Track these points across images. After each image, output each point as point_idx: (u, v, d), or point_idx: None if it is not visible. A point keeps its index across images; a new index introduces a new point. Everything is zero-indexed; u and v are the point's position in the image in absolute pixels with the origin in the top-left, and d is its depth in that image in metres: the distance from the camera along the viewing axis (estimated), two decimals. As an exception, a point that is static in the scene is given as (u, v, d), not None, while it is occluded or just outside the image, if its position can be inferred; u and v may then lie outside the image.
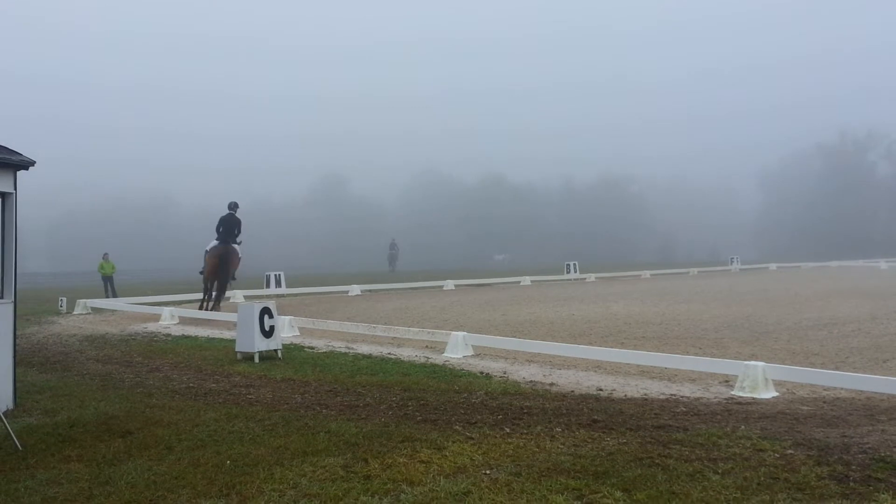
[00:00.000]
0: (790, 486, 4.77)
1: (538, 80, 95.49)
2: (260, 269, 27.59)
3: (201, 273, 18.99)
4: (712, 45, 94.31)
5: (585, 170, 79.04)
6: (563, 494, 4.65)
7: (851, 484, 4.80)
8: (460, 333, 11.10)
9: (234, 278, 19.92)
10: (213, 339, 13.18)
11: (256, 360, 10.35)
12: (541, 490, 4.73)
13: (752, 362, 8.14)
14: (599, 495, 4.65)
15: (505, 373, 9.36)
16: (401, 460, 5.41)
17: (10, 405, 7.33)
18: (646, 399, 7.74)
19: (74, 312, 18.90)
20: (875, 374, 8.26)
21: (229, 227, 19.23)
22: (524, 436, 6.07)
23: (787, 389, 8.06)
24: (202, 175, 75.55)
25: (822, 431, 6.15)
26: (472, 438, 6.01)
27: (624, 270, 39.25)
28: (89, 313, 18.84)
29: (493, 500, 4.61)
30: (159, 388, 8.55)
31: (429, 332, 11.91)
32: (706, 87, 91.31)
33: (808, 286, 26.24)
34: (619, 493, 4.66)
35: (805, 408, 7.19)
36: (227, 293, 20.58)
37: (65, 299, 19.75)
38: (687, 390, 8.19)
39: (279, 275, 25.91)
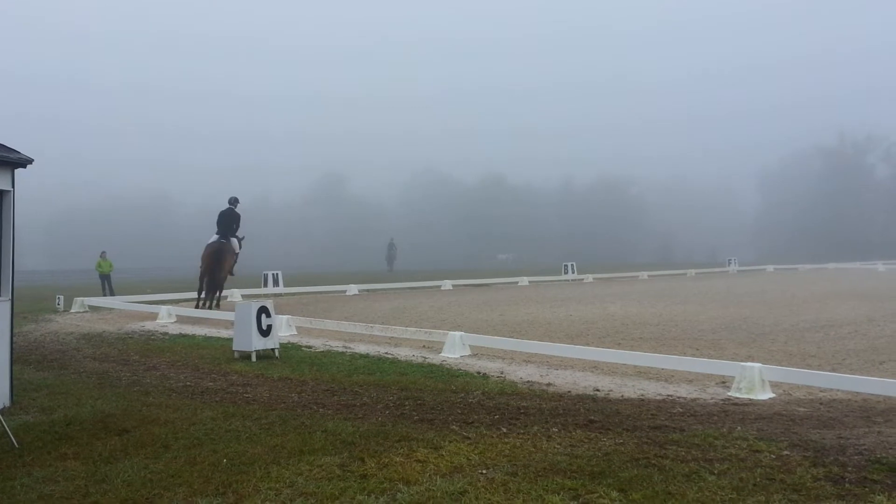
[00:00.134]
0: (786, 487, 4.78)
1: (538, 80, 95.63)
2: (258, 268, 27.57)
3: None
4: (712, 45, 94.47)
5: (585, 170, 79.22)
6: (559, 494, 4.66)
7: (847, 485, 4.81)
8: (458, 333, 11.10)
9: (232, 274, 19.98)
10: (211, 337, 13.17)
11: (254, 359, 10.35)
12: (537, 490, 4.74)
13: (749, 363, 8.15)
14: (596, 495, 4.65)
15: (502, 373, 9.37)
16: (397, 460, 5.41)
17: (7, 403, 7.32)
18: (643, 400, 7.74)
19: (72, 311, 18.87)
20: (871, 376, 8.28)
21: (228, 221, 19.40)
22: (521, 436, 6.08)
23: (784, 391, 8.07)
24: (201, 174, 75.59)
25: (818, 433, 6.16)
26: (469, 438, 6.02)
27: (622, 271, 39.26)
28: (86, 311, 18.82)
29: (490, 499, 4.61)
30: (156, 386, 8.55)
31: (426, 332, 11.91)
32: (706, 87, 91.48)
33: (805, 288, 26.27)
34: (615, 494, 4.67)
35: (801, 409, 7.21)
36: (224, 292, 20.62)
37: (62, 297, 19.72)
38: (684, 391, 8.20)
39: (277, 274, 25.89)
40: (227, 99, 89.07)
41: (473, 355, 10.75)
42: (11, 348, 7.45)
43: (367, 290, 27.01)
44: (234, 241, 19.64)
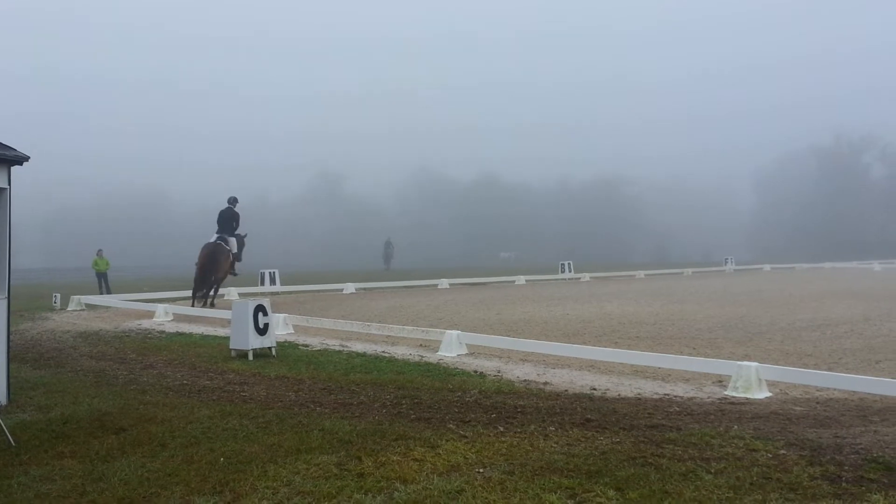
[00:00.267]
0: (782, 486, 4.79)
1: (538, 80, 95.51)
2: (256, 267, 27.57)
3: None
4: (712, 45, 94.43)
5: (584, 170, 79.23)
6: (556, 493, 4.66)
7: (844, 484, 4.82)
8: (454, 332, 11.10)
9: (234, 273, 20.14)
10: (208, 336, 13.16)
11: (250, 357, 10.35)
12: (534, 489, 4.74)
13: (746, 363, 8.16)
14: (592, 494, 4.66)
15: (499, 372, 9.37)
16: (394, 458, 5.42)
17: (4, 401, 7.31)
18: (639, 398, 7.75)
19: (68, 309, 18.85)
20: (868, 375, 8.30)
21: (226, 220, 19.69)
22: (518, 434, 6.08)
23: (781, 390, 8.09)
24: (198, 172, 75.53)
25: (814, 432, 6.18)
26: (466, 437, 6.02)
27: (618, 270, 39.31)
28: (83, 310, 18.80)
29: (487, 498, 4.62)
30: (153, 384, 8.54)
31: (423, 331, 11.91)
32: (706, 87, 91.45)
33: (801, 287, 26.32)
34: (612, 493, 4.67)
35: (798, 408, 7.22)
36: (221, 290, 20.68)
37: (59, 295, 19.70)
38: (680, 390, 8.21)
39: (273, 272, 25.89)
40: (225, 97, 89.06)
41: (470, 354, 10.75)
42: (8, 346, 7.43)
43: (364, 289, 27.01)
44: (233, 240, 19.82)
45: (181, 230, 62.05)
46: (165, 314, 16.22)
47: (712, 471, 5.07)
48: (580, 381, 8.73)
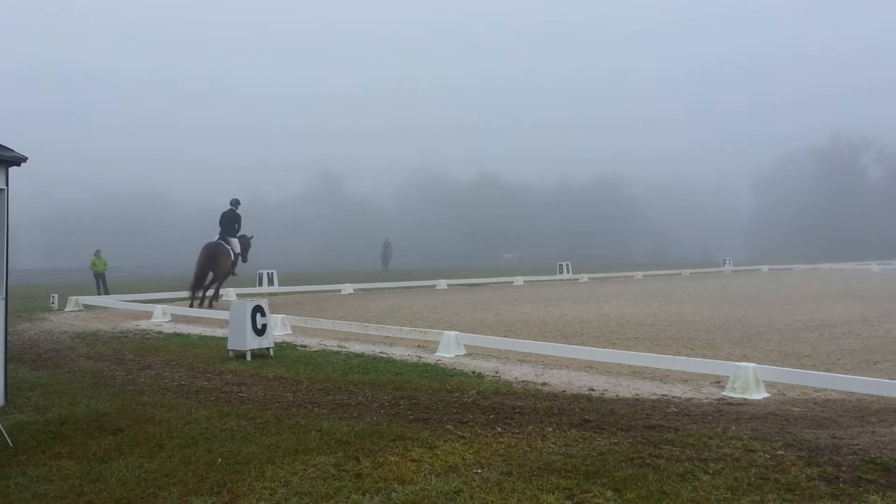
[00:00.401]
0: (780, 486, 4.80)
1: (537, 80, 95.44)
2: (254, 267, 27.57)
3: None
4: (712, 45, 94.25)
5: (584, 170, 79.17)
6: (553, 494, 4.66)
7: (841, 485, 4.83)
8: (452, 333, 11.10)
9: (234, 273, 20.27)
10: (206, 336, 13.15)
11: (248, 358, 10.34)
12: (532, 489, 4.74)
13: (744, 363, 8.17)
14: (590, 495, 4.66)
15: (497, 372, 9.37)
16: (392, 459, 5.41)
17: (1, 402, 7.30)
18: (637, 399, 7.76)
19: (66, 309, 18.82)
20: (866, 376, 8.30)
21: (228, 221, 20.06)
22: (515, 435, 6.08)
23: (778, 390, 8.10)
24: (197, 172, 75.50)
25: (812, 432, 6.18)
26: (464, 438, 6.02)
27: (617, 271, 39.33)
28: (81, 310, 18.78)
29: (484, 499, 4.61)
30: (151, 385, 8.54)
31: (421, 332, 11.91)
32: (706, 87, 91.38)
33: (799, 288, 26.35)
34: (609, 493, 4.67)
35: (796, 409, 7.23)
36: (220, 291, 20.73)
37: (56, 296, 19.67)
38: (678, 391, 8.22)
39: (272, 273, 25.88)
40: (225, 97, 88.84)
41: (468, 355, 10.75)
42: (6, 347, 7.42)
43: (363, 290, 27.01)
44: (235, 241, 19.99)
45: (181, 230, 62.05)
46: (163, 315, 16.21)
47: (710, 471, 5.08)
48: (578, 382, 8.73)
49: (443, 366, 9.86)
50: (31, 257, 60.61)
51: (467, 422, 6.58)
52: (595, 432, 6.19)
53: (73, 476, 5.12)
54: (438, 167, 78.96)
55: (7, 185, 7.27)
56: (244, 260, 20.94)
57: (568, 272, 35.16)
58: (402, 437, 6.03)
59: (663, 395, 8.00)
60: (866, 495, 4.63)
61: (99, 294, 24.34)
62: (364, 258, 54.80)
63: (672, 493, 4.66)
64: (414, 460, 5.40)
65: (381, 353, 11.05)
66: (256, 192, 68.84)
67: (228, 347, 10.76)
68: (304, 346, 11.78)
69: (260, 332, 10.61)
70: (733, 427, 6.33)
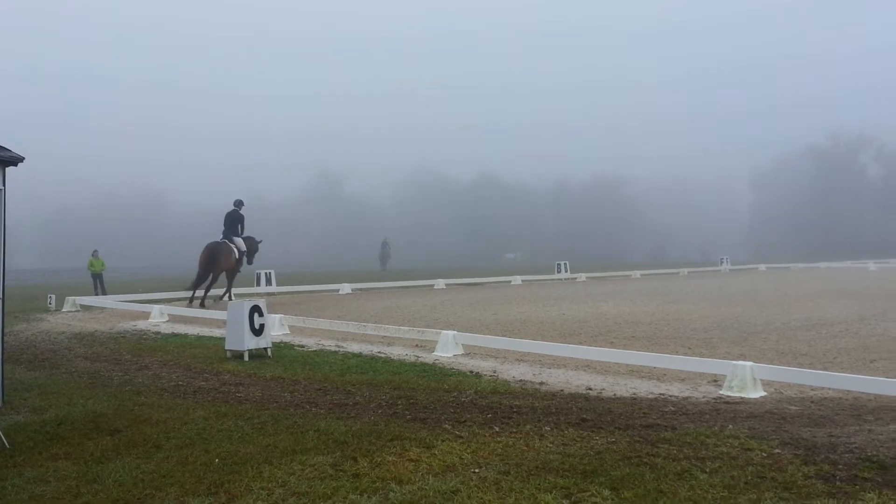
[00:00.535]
0: (777, 485, 4.80)
1: (537, 80, 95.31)
2: (253, 267, 27.56)
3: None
4: (712, 45, 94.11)
5: (584, 169, 79.16)
6: (551, 493, 4.67)
7: (838, 483, 4.83)
8: (450, 332, 11.10)
9: (238, 271, 20.68)
10: (203, 337, 13.14)
11: (246, 358, 10.33)
12: (529, 489, 4.74)
13: (741, 362, 8.18)
14: (587, 494, 4.66)
15: (495, 372, 9.38)
16: (390, 459, 5.41)
17: (-2, 403, 7.29)
18: (635, 398, 7.76)
19: (63, 310, 18.81)
20: (862, 375, 8.32)
21: (232, 222, 20.42)
22: (513, 434, 6.08)
23: (775, 389, 8.10)
24: (197, 172, 75.52)
25: (809, 431, 6.19)
26: (462, 437, 6.02)
27: (614, 270, 39.36)
28: (78, 311, 18.76)
29: (482, 498, 4.62)
30: (148, 386, 8.53)
31: (419, 331, 11.91)
32: (706, 88, 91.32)
33: (797, 287, 26.38)
34: (607, 492, 4.68)
35: (793, 407, 7.23)
36: (219, 291, 20.85)
37: (54, 296, 19.65)
38: (676, 390, 8.22)
39: (270, 273, 25.86)
40: (223, 96, 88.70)
41: (466, 354, 10.75)
42: (2, 348, 7.40)
43: (361, 289, 27.00)
44: (239, 240, 20.44)
45: (180, 231, 62.05)
46: (161, 315, 16.19)
47: (707, 470, 5.08)
48: (576, 381, 8.73)
49: (441, 365, 9.86)
50: (29, 258, 60.57)
51: (465, 421, 6.58)
52: (592, 431, 6.19)
53: (69, 477, 5.12)
54: (438, 167, 79.04)
55: (4, 185, 7.26)
56: (249, 262, 21.41)
57: (566, 271, 35.17)
58: (400, 436, 6.03)
59: (661, 394, 8.01)
60: (863, 493, 4.64)
61: (96, 294, 24.31)
62: (361, 258, 54.80)
63: (669, 492, 4.67)
64: (411, 460, 5.40)
65: (379, 352, 11.05)
66: (256, 192, 68.87)
67: (226, 347, 10.76)
68: (302, 346, 11.78)
69: (258, 332, 10.60)
70: (730, 426, 6.34)
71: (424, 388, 8.17)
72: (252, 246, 21.22)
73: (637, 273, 36.64)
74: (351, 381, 8.68)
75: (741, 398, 7.69)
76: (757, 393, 7.84)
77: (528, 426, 6.36)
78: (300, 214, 72.06)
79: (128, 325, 15.25)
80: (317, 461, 5.38)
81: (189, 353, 11.17)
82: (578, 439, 5.94)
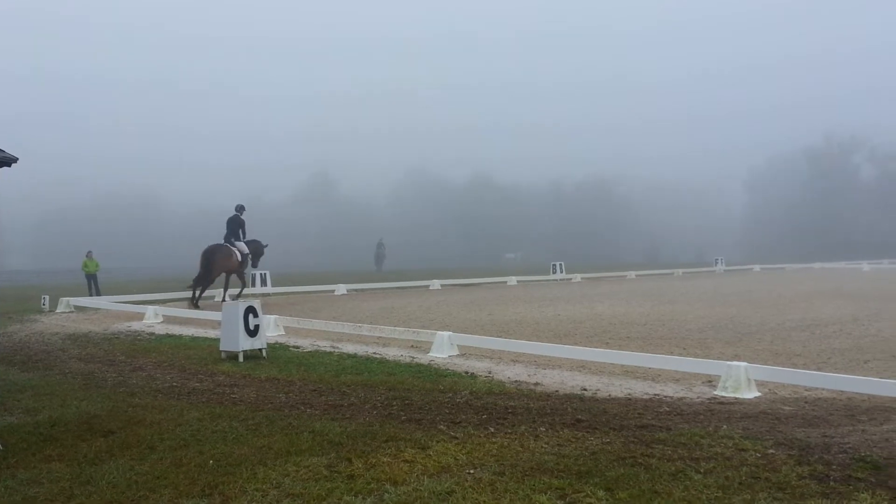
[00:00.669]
0: (771, 485, 4.81)
1: (538, 80, 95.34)
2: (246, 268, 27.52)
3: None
4: (712, 45, 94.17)
5: (581, 170, 79.36)
6: (546, 494, 4.67)
7: (832, 483, 4.84)
8: (446, 333, 11.10)
9: (240, 273, 21.14)
10: (198, 338, 13.11)
11: (241, 359, 10.31)
12: (524, 489, 4.75)
13: (735, 363, 8.19)
14: (582, 494, 4.67)
15: (490, 372, 9.38)
16: (385, 460, 5.41)
17: (-9, 404, 7.27)
18: (629, 399, 7.77)
19: (57, 311, 18.75)
20: (856, 375, 8.34)
21: (231, 226, 20.92)
22: (508, 435, 6.09)
23: (770, 389, 8.12)
24: (194, 172, 75.57)
25: (803, 431, 6.20)
26: (457, 438, 6.02)
27: (610, 271, 39.40)
28: (72, 312, 18.70)
29: (477, 499, 4.62)
30: (142, 387, 8.51)
31: (414, 332, 11.90)
32: (706, 88, 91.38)
33: (791, 287, 26.44)
34: (601, 493, 4.68)
35: (787, 408, 7.25)
36: (213, 291, 20.94)
37: (47, 297, 19.59)
38: (670, 390, 8.23)
39: (265, 274, 25.83)
40: (219, 97, 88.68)
41: (461, 355, 10.75)
42: (-5, 349, 7.39)
43: (356, 290, 26.98)
44: (241, 244, 20.93)
45: (178, 231, 61.97)
46: (155, 316, 16.16)
47: (701, 470, 5.09)
48: (571, 382, 8.74)
49: (436, 366, 9.86)
50: (22, 258, 60.41)
51: (460, 422, 6.58)
52: (587, 432, 6.20)
53: (63, 479, 5.10)
54: (434, 167, 79.14)
55: (-3, 186, 7.24)
56: (254, 265, 21.87)
57: (561, 272, 35.20)
58: (395, 437, 6.03)
59: (655, 394, 8.02)
60: (856, 493, 4.65)
61: (91, 295, 24.25)
62: (356, 259, 54.77)
63: (664, 493, 4.67)
64: (406, 461, 5.40)
65: (374, 353, 11.04)
66: (252, 192, 68.85)
67: (221, 348, 10.73)
68: (297, 347, 11.76)
69: (252, 333, 10.58)
70: (725, 426, 6.35)
71: (419, 389, 8.17)
72: (257, 249, 21.71)
73: (632, 274, 36.69)
74: (346, 382, 8.67)
75: (735, 399, 7.70)
76: (751, 393, 7.85)
77: (523, 427, 6.36)
78: (295, 215, 72.03)
79: (122, 326, 15.21)
80: (311, 462, 5.37)
81: (184, 354, 11.14)
82: (573, 440, 5.94)
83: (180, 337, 13.30)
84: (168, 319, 16.09)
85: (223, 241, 20.76)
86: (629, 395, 8.01)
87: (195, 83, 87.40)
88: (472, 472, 5.13)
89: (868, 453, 5.47)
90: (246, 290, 23.62)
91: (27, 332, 14.36)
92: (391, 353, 11.10)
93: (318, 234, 69.79)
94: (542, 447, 5.73)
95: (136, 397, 7.87)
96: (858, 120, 72.69)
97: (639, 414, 6.94)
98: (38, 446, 5.92)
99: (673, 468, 5.14)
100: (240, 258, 20.72)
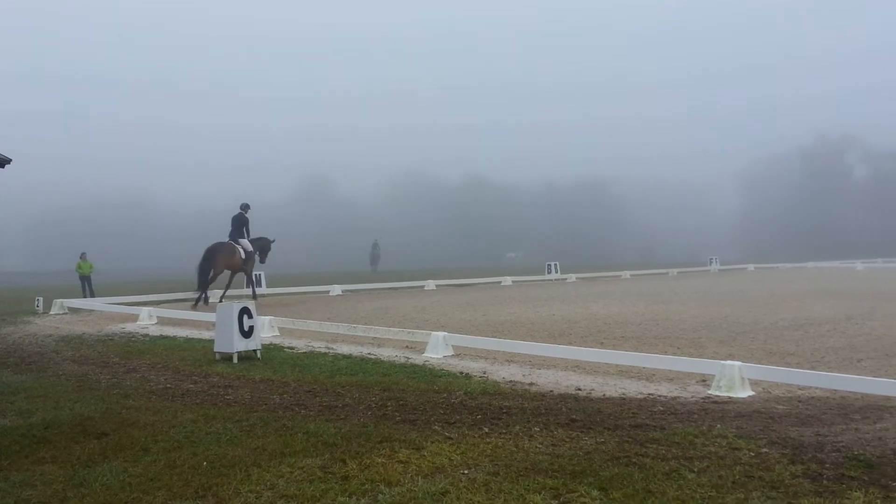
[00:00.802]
0: (765, 484, 4.83)
1: (538, 80, 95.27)
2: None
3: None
4: (712, 45, 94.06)
5: (579, 170, 79.41)
6: (540, 494, 4.67)
7: (825, 482, 4.86)
8: (440, 333, 11.10)
9: (244, 270, 21.90)
10: (192, 339, 13.09)
11: (235, 360, 10.29)
12: (518, 489, 4.75)
13: (729, 362, 8.21)
14: (576, 494, 4.67)
15: (485, 373, 9.38)
16: (379, 461, 5.41)
17: (-16, 406, 7.24)
18: (624, 398, 7.78)
19: (51, 312, 18.69)
20: (849, 374, 8.37)
21: (236, 224, 21.39)
22: (503, 435, 6.09)
23: (763, 389, 8.14)
24: (193, 173, 75.51)
25: (796, 430, 6.22)
26: (451, 438, 6.02)
27: (604, 271, 39.45)
28: (66, 313, 18.65)
29: (471, 499, 4.62)
30: (136, 389, 8.48)
31: (409, 332, 11.90)
32: (706, 88, 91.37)
33: (784, 287, 26.51)
34: (595, 493, 4.69)
35: (780, 407, 7.27)
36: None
37: (41, 299, 19.53)
38: (664, 389, 8.25)
39: (259, 274, 25.80)
40: (213, 97, 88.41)
41: (456, 355, 10.75)
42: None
43: (351, 291, 26.96)
44: (244, 241, 21.44)
45: (167, 232, 61.83)
46: (149, 317, 16.12)
47: (695, 470, 5.10)
48: (565, 382, 8.75)
49: (430, 366, 9.86)
50: (16, 260, 60.22)
51: (455, 422, 6.58)
52: (582, 432, 6.20)
53: (56, 481, 5.08)
54: (436, 167, 79.23)
55: (-11, 187, 7.22)
56: (262, 261, 22.51)
57: (556, 272, 35.23)
58: (390, 438, 6.03)
59: (650, 393, 8.03)
60: (849, 492, 4.67)
61: (84, 297, 24.18)
62: (351, 260, 54.76)
63: (658, 492, 4.68)
64: (401, 462, 5.39)
65: (369, 354, 11.03)
66: (244, 193, 68.61)
67: (215, 350, 10.71)
68: (292, 348, 11.75)
69: (247, 334, 10.56)
70: (718, 425, 6.36)
71: (414, 390, 8.17)
72: (265, 245, 22.36)
73: (627, 273, 36.75)
74: (340, 382, 8.66)
75: (729, 398, 7.72)
76: (745, 392, 7.87)
77: (517, 427, 6.36)
78: (291, 215, 71.95)
79: (116, 328, 15.17)
80: (306, 463, 5.36)
81: (178, 355, 11.12)
82: (568, 440, 5.95)
83: (174, 338, 13.27)
84: (162, 321, 16.06)
85: (228, 239, 21.09)
86: (623, 394, 8.02)
87: (195, 83, 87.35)
88: (466, 472, 5.13)
89: (861, 452, 5.49)
90: (241, 292, 23.62)
91: (21, 334, 14.32)
92: (386, 353, 11.10)
93: (312, 235, 69.73)
94: (536, 447, 5.73)
95: (130, 399, 7.85)
96: (852, 120, 72.97)
97: (633, 413, 6.95)
98: (32, 448, 5.90)
99: (667, 467, 5.15)
100: (243, 256, 21.07)
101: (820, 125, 73.63)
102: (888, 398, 7.34)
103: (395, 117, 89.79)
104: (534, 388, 8.35)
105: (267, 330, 13.10)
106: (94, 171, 71.61)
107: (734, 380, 7.94)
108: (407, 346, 11.65)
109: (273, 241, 22.61)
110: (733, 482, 4.85)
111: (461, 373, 9.36)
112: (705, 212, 75.93)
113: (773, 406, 7.31)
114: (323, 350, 11.51)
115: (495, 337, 11.86)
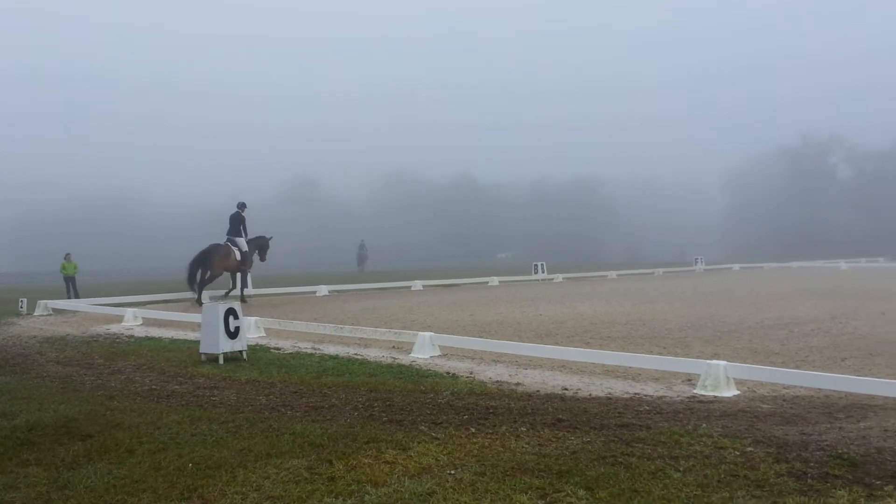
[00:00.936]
0: (749, 483, 4.85)
1: (538, 80, 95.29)
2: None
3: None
4: (712, 45, 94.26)
5: (568, 170, 79.61)
6: (526, 494, 4.68)
7: (809, 481, 4.90)
8: (427, 334, 11.10)
9: (243, 270, 21.75)
10: (178, 340, 13.02)
11: (221, 361, 10.25)
12: (505, 489, 4.75)
13: (715, 361, 8.26)
14: (563, 494, 4.68)
15: (471, 373, 9.38)
16: (365, 461, 5.40)
17: (-34, 409, 7.17)
18: (610, 398, 7.81)
19: (35, 314, 18.53)
20: (833, 373, 8.43)
21: (234, 222, 21.54)
22: (489, 435, 6.09)
23: (748, 388, 8.19)
24: (184, 173, 75.22)
25: (781, 429, 6.27)
26: (438, 439, 6.02)
27: (591, 271, 39.57)
28: (50, 314, 18.50)
29: (457, 500, 4.62)
30: (121, 390, 8.43)
31: (396, 333, 11.89)
32: (706, 87, 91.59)
33: (769, 286, 26.68)
34: (582, 492, 4.70)
35: (765, 406, 7.32)
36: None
37: (25, 300, 19.37)
38: (650, 389, 8.29)
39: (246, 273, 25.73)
40: (204, 97, 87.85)
41: (443, 356, 10.75)
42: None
43: (338, 291, 26.90)
44: (241, 240, 21.57)
45: (153, 233, 61.45)
46: (134, 318, 16.02)
47: (681, 469, 5.13)
48: (552, 382, 8.77)
49: (417, 367, 9.85)
50: (4, 260, 59.65)
51: (441, 423, 6.58)
52: (568, 431, 6.22)
53: (40, 483, 5.04)
54: (436, 167, 79.20)
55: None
56: (262, 259, 22.74)
57: (543, 272, 35.29)
58: (376, 439, 6.02)
59: (636, 393, 8.06)
60: (833, 490, 4.70)
61: (69, 298, 23.99)
62: (338, 260, 54.64)
63: (643, 491, 4.70)
64: (387, 462, 5.39)
65: (356, 354, 11.01)
66: (232, 193, 68.24)
67: (201, 351, 10.66)
68: (278, 349, 11.71)
69: (233, 334, 10.52)
70: (704, 424, 6.40)
71: (401, 390, 8.16)
72: (264, 244, 22.57)
73: (613, 273, 36.87)
74: (327, 383, 8.64)
75: (715, 397, 7.77)
76: (730, 392, 7.92)
77: (504, 427, 6.37)
78: (276, 216, 71.71)
79: (101, 329, 15.06)
80: (292, 464, 5.35)
81: (163, 356, 11.05)
82: (554, 439, 5.96)
83: (160, 339, 13.19)
84: (148, 322, 15.96)
85: (226, 237, 21.24)
86: (610, 394, 8.04)
87: (195, 83, 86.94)
88: (452, 472, 5.13)
89: (845, 450, 5.53)
90: (234, 292, 23.56)
91: (4, 336, 14.19)
92: (372, 354, 11.08)
93: (298, 236, 69.56)
94: (522, 447, 5.74)
95: (115, 401, 7.79)
96: (839, 120, 73.39)
97: (619, 413, 6.98)
98: (15, 451, 5.85)
99: (653, 467, 5.18)
100: (239, 256, 21.13)
101: (807, 125, 74.17)
102: (871, 397, 7.41)
103: (395, 117, 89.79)
104: (520, 388, 8.36)
105: (253, 331, 13.05)
106: (94, 171, 71.39)
107: (719, 379, 7.99)
108: (394, 347, 11.64)
109: (271, 238, 22.79)
110: (718, 481, 4.88)
111: (448, 373, 9.36)
112: (691, 212, 76.29)
113: (758, 405, 7.36)
114: (309, 351, 11.47)
115: (482, 337, 11.86)
